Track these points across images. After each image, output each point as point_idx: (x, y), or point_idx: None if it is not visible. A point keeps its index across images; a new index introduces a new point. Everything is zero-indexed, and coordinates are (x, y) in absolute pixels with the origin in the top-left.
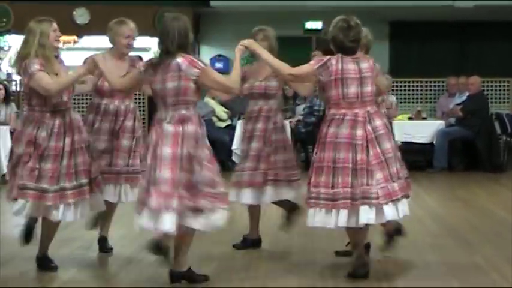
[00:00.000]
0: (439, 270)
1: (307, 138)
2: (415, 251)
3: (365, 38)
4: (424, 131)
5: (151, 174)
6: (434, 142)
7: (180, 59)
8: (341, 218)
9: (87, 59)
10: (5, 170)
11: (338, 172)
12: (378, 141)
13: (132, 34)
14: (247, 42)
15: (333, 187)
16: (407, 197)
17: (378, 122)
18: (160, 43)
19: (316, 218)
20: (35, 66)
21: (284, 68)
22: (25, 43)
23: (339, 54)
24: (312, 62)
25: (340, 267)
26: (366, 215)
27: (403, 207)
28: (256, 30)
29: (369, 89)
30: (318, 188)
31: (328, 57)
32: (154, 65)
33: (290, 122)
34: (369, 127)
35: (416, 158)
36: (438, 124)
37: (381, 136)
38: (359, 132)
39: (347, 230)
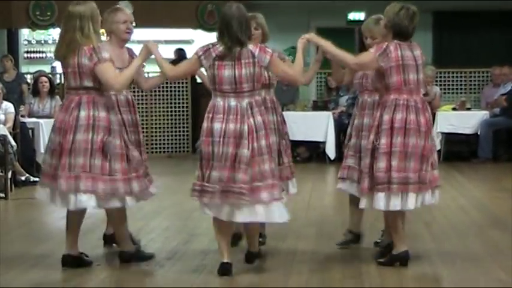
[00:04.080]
0: (484, 260)
1: None
2: (460, 241)
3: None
4: (468, 121)
5: (260, 165)
6: (478, 132)
7: (251, 46)
8: (410, 201)
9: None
10: None
11: (410, 157)
12: (431, 130)
13: (128, 19)
14: (308, 36)
15: (405, 171)
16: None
17: (429, 111)
18: (226, 32)
19: (392, 201)
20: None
21: (349, 57)
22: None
23: (396, 41)
24: (371, 50)
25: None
26: (429, 198)
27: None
28: None
29: (421, 76)
30: (388, 173)
31: (386, 44)
32: (219, 52)
33: (333, 113)
34: (427, 114)
35: (461, 149)
36: (482, 114)
37: (432, 125)
38: (422, 119)
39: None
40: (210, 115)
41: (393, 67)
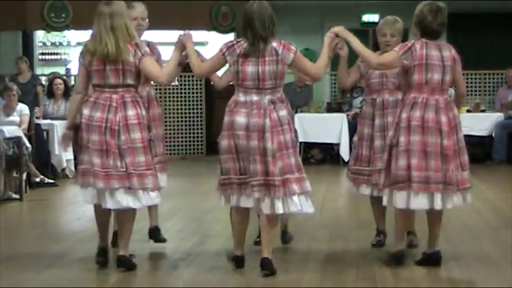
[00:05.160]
0: (498, 262)
1: None
2: (474, 243)
3: (401, 26)
4: (482, 123)
5: (274, 159)
6: (493, 134)
7: (275, 43)
8: (437, 201)
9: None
10: (65, 164)
11: (431, 156)
12: (456, 130)
13: (139, 16)
14: (337, 29)
15: (426, 170)
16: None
17: (456, 111)
18: (249, 29)
19: (412, 200)
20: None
21: (373, 57)
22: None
23: (423, 40)
24: (396, 48)
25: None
26: (451, 200)
27: (468, 196)
28: None
29: (448, 77)
30: (408, 171)
31: (412, 41)
32: (243, 49)
33: (347, 115)
34: (451, 114)
35: (475, 151)
36: (497, 116)
37: (459, 125)
38: (443, 118)
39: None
40: (232, 109)
41: (416, 65)
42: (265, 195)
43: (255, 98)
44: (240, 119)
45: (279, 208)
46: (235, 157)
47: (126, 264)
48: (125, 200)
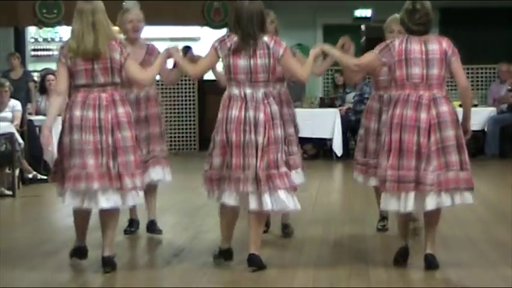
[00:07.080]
0: (492, 257)
1: (357, 126)
2: (467, 239)
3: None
4: (475, 118)
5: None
6: (485, 129)
7: (266, 38)
8: (409, 202)
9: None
10: None
11: (404, 154)
12: (440, 128)
13: (134, 18)
14: (321, 46)
15: (398, 169)
16: (468, 189)
17: (444, 108)
18: (238, 26)
19: (387, 201)
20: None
21: (351, 59)
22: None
23: (406, 35)
24: (375, 48)
25: (389, 253)
26: (432, 201)
27: (461, 197)
28: None
29: (435, 71)
30: (387, 170)
31: (391, 39)
32: (234, 43)
33: (340, 110)
34: (433, 111)
35: (467, 145)
36: (489, 111)
37: (445, 123)
38: (423, 115)
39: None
40: (226, 103)
41: (396, 62)
42: (255, 190)
43: (248, 91)
44: (235, 113)
45: (267, 204)
46: (228, 152)
47: (112, 265)
48: (114, 199)
